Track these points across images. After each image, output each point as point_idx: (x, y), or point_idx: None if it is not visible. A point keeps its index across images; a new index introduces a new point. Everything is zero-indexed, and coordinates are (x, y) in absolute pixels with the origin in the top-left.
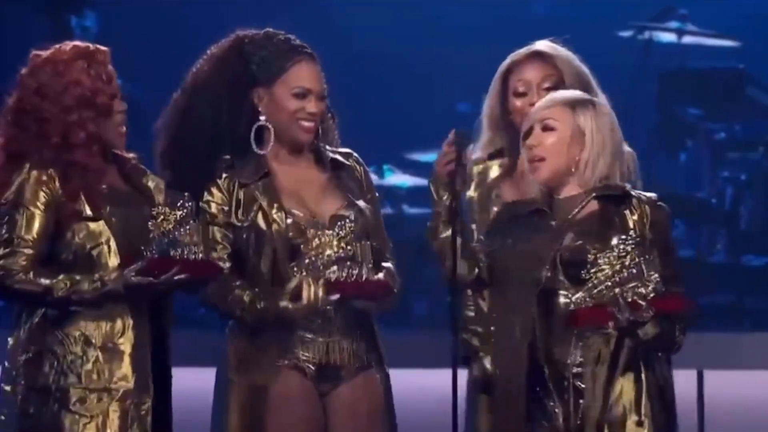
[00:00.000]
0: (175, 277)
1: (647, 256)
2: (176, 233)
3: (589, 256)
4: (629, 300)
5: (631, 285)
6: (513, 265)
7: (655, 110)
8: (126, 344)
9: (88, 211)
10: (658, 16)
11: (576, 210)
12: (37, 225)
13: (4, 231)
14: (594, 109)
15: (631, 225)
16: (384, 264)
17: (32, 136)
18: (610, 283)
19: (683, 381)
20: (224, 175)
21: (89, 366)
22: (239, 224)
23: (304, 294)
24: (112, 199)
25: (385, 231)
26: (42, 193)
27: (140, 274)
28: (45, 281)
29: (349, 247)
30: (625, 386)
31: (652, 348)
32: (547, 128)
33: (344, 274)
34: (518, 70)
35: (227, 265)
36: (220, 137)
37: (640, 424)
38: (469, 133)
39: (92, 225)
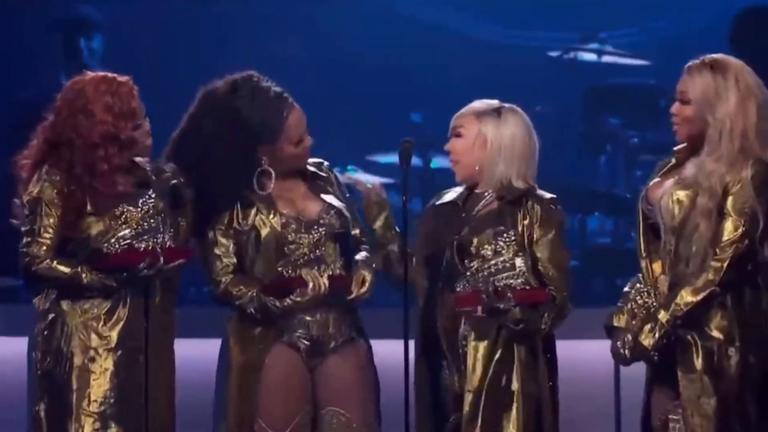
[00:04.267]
0: (142, 268)
1: (522, 253)
2: (140, 227)
3: (472, 248)
4: (497, 289)
5: (502, 276)
6: (433, 247)
7: (581, 120)
8: (122, 313)
9: (90, 209)
10: (582, 38)
11: (479, 206)
12: (53, 218)
13: (27, 222)
14: (498, 118)
15: (519, 225)
16: (359, 257)
17: (62, 160)
18: (486, 273)
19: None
20: None
21: (92, 331)
22: (240, 228)
23: (311, 286)
24: (123, 199)
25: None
26: (56, 190)
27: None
28: (66, 269)
29: (319, 250)
30: (502, 360)
31: (520, 332)
32: (457, 135)
33: (320, 272)
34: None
35: (232, 261)
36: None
37: (510, 393)
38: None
39: (94, 221)
